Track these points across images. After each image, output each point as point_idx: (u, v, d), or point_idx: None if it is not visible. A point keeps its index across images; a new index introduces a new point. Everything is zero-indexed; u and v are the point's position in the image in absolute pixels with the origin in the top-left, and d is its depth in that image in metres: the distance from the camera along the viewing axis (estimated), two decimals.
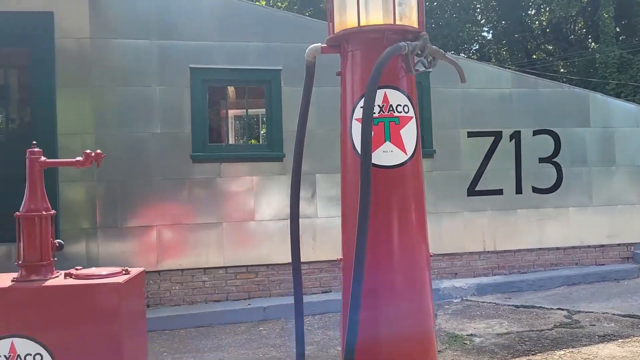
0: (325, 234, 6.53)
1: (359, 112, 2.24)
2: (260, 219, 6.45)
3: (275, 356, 4.82)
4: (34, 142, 2.40)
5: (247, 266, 6.42)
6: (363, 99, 2.21)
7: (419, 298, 2.31)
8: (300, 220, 6.46)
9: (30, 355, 2.08)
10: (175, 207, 6.22)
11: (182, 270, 6.19)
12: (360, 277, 1.99)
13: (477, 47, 27.77)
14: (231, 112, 6.86)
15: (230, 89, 6.79)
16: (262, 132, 7.07)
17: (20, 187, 6.06)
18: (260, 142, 6.96)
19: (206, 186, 6.31)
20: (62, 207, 5.92)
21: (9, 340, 2.07)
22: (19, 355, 2.07)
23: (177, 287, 6.19)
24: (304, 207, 6.48)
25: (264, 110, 6.79)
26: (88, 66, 5.99)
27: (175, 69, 6.22)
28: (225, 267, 6.35)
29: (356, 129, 2.25)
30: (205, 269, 6.30)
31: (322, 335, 5.40)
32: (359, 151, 2.22)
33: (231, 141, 6.86)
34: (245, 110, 6.94)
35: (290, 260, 6.46)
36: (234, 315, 6.01)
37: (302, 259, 6.44)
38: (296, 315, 2.43)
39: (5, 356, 2.06)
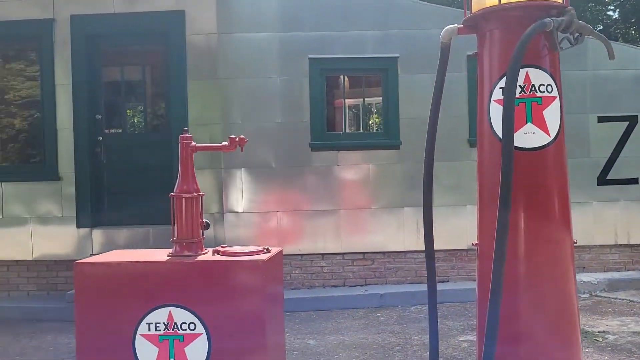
0: (441, 223, 6.39)
1: (497, 93, 2.18)
2: (377, 207, 6.49)
3: (395, 342, 4.85)
4: (185, 128, 2.60)
5: (363, 253, 6.49)
6: (502, 79, 2.15)
7: (562, 295, 2.21)
8: (415, 208, 6.46)
9: (185, 323, 2.27)
10: (294, 194, 6.44)
11: (302, 255, 6.40)
12: (501, 270, 1.94)
13: (601, 28, 25.76)
14: (348, 101, 6.94)
15: (347, 78, 6.87)
16: (378, 120, 7.08)
17: (157, 176, 6.60)
18: (377, 131, 6.97)
19: (324, 174, 6.46)
20: None
21: (167, 309, 2.27)
22: (175, 323, 2.27)
23: (296, 272, 6.41)
24: (419, 195, 6.42)
25: (381, 98, 6.80)
26: (215, 60, 6.34)
27: (294, 59, 6.40)
28: (342, 254, 6.47)
29: (494, 111, 2.20)
30: (323, 254, 6.47)
31: (440, 325, 5.31)
32: (497, 133, 2.17)
33: (348, 130, 6.95)
34: (362, 99, 6.99)
35: (405, 249, 6.47)
36: (351, 300, 6.12)
37: (416, 248, 6.46)
38: (430, 308, 2.41)
39: (164, 323, 2.27)
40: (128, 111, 7.02)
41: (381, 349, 4.68)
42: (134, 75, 7.00)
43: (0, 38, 6.71)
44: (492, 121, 2.21)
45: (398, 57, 6.44)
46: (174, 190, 2.44)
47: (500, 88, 2.16)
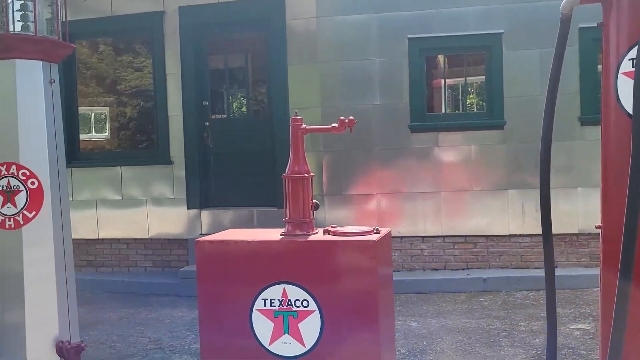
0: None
1: (626, 65, 2.03)
2: (479, 189, 6.31)
3: (500, 328, 4.72)
4: (296, 110, 2.65)
5: (465, 236, 6.35)
6: (632, 50, 2.00)
7: None
8: (521, 190, 6.19)
9: (299, 300, 2.35)
10: (393, 176, 6.40)
11: (401, 237, 6.37)
12: (631, 256, 1.81)
13: None
14: (448, 81, 6.76)
15: (448, 57, 6.68)
16: (480, 99, 6.84)
17: (259, 159, 6.80)
18: (479, 110, 6.73)
19: (424, 156, 6.36)
20: None
21: (282, 286, 2.36)
22: (289, 300, 2.36)
23: (396, 254, 6.40)
24: (525, 177, 6.17)
25: (483, 77, 6.57)
26: (315, 44, 6.42)
27: (393, 40, 6.32)
28: (443, 237, 6.37)
29: (623, 85, 2.05)
30: (423, 237, 6.40)
31: None
32: (626, 109, 2.02)
33: (448, 110, 6.78)
34: (462, 78, 6.79)
35: (509, 233, 6.22)
36: (452, 284, 6.02)
37: (521, 232, 6.20)
38: (547, 295, 2.28)
39: (278, 299, 2.37)
40: (231, 97, 7.29)
41: (486, 334, 4.58)
42: (236, 62, 7.25)
43: (115, 32, 7.20)
44: (619, 96, 2.06)
45: (502, 33, 6.17)
46: (286, 172, 2.51)
47: (629, 60, 2.01)
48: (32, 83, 2.75)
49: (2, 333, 2.74)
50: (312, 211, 2.53)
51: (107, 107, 7.60)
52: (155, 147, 7.09)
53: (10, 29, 2.72)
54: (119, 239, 7.13)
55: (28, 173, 2.71)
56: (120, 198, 7.05)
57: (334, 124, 2.55)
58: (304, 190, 2.50)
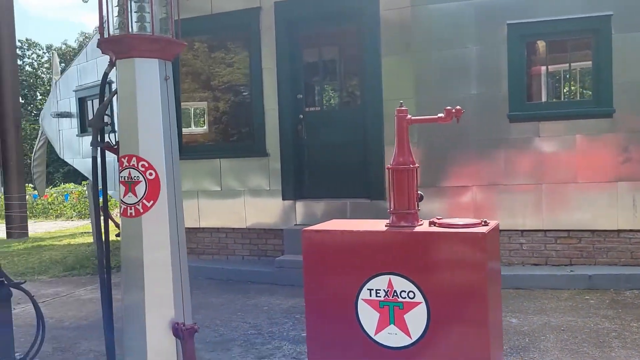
0: None
1: None
2: (584, 181, 5.97)
3: (610, 328, 4.46)
4: (401, 101, 2.64)
5: (568, 231, 6.04)
6: None
7: None
8: (632, 183, 5.80)
9: (405, 291, 2.35)
10: (491, 167, 6.21)
11: (499, 230, 6.15)
12: None
13: None
14: (550, 68, 6.43)
15: (549, 42, 6.35)
16: (585, 87, 6.46)
17: (352, 151, 6.84)
18: (584, 98, 6.37)
19: (523, 146, 6.11)
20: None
21: (387, 276, 2.37)
22: (395, 291, 2.36)
23: None
24: (636, 169, 5.78)
25: (588, 62, 6.19)
26: (409, 34, 6.34)
27: (491, 27, 6.11)
28: (544, 231, 6.10)
29: None
30: (522, 231, 6.16)
31: None
32: None
33: (550, 98, 6.46)
34: (565, 64, 6.43)
35: (618, 228, 5.87)
36: (554, 280, 5.76)
37: (632, 227, 5.82)
38: None
39: (384, 290, 2.38)
40: (325, 90, 7.37)
41: (594, 333, 4.35)
42: (330, 54, 7.32)
43: (214, 29, 7.48)
44: None
45: (611, 15, 5.77)
46: (391, 163, 2.51)
47: None
48: (150, 80, 2.92)
49: (125, 313, 2.97)
50: (417, 202, 2.51)
51: (205, 102, 7.94)
52: (251, 140, 7.32)
53: (130, 30, 2.92)
54: (218, 228, 7.45)
55: (147, 165, 2.90)
56: (219, 189, 7.36)
57: (440, 114, 2.51)
58: (409, 182, 2.49)
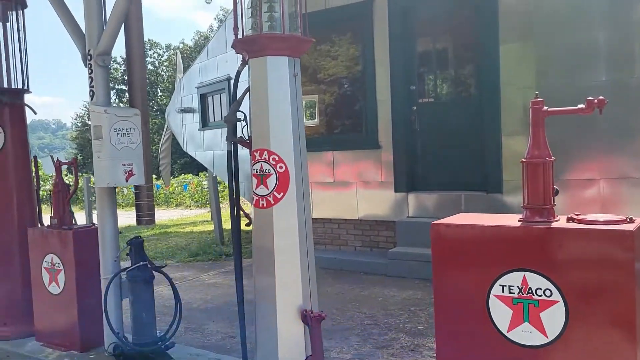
0: None
1: None
2: None
3: None
4: (537, 92, 2.55)
5: None
6: None
7: None
8: None
9: (540, 289, 2.27)
10: (621, 159, 5.77)
11: None
12: None
13: None
14: None
15: None
16: None
17: (467, 142, 6.66)
18: None
19: None
20: (505, 159, 6.25)
21: (522, 273, 2.31)
22: (530, 288, 2.30)
23: None
24: None
25: None
26: (530, 20, 6.04)
27: (624, 8, 5.66)
28: None
29: None
30: None
31: None
32: None
33: None
34: None
35: None
36: None
37: None
38: None
39: (518, 286, 2.32)
40: (439, 80, 7.23)
41: None
42: (443, 44, 7.16)
43: (328, 22, 7.59)
44: None
45: None
46: (525, 156, 2.43)
47: None
48: (280, 77, 3.06)
49: (256, 296, 3.14)
50: (553, 197, 2.42)
51: (316, 95, 8.08)
52: (364, 132, 7.38)
53: (262, 30, 3.06)
54: (330, 219, 7.61)
55: (277, 158, 3.04)
56: (332, 180, 7.51)
57: (580, 105, 2.39)
58: (544, 175, 2.41)
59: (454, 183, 6.80)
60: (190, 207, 21.03)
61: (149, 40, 44.58)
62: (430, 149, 6.99)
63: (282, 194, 3.05)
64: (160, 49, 45.24)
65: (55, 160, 4.26)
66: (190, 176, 25.76)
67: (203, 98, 10.31)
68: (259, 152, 3.08)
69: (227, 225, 9.88)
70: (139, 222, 12.79)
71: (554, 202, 2.43)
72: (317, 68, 7.86)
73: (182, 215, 16.51)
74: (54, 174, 4.35)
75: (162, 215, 16.63)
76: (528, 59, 6.10)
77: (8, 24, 4.60)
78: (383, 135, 7.10)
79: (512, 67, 6.18)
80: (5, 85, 4.50)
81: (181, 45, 44.24)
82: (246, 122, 3.19)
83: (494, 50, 6.26)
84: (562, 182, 6.03)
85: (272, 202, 3.05)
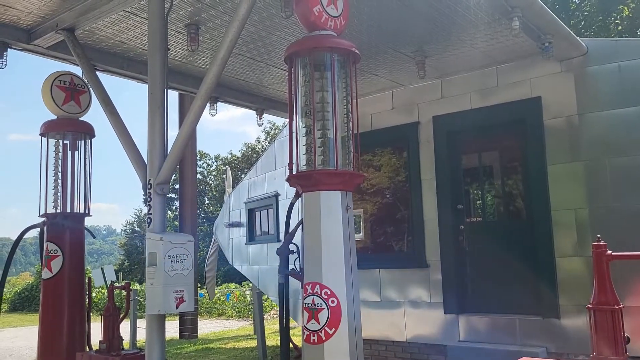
0: None
1: None
2: None
3: None
4: (598, 236, 2.49)
5: None
6: None
7: None
8: None
9: None
10: None
11: None
12: None
13: None
14: None
15: None
16: None
17: (519, 263, 6.46)
18: None
19: None
20: (560, 282, 6.01)
21: None
22: None
23: None
24: None
25: None
26: (577, 141, 6.06)
27: None
28: None
29: None
30: None
31: None
32: None
33: None
34: None
35: None
36: None
37: None
38: None
39: None
40: (486, 200, 7.20)
41: None
42: (490, 165, 7.21)
43: (374, 144, 7.81)
44: None
45: None
46: (591, 302, 2.33)
47: None
48: (333, 211, 3.11)
49: None
50: (624, 346, 2.28)
51: (361, 210, 8.13)
52: (411, 251, 7.29)
53: (316, 166, 3.17)
54: (377, 340, 7.33)
55: (329, 292, 3.01)
56: (379, 299, 7.33)
57: None
58: (613, 323, 2.28)
59: (507, 306, 6.52)
60: (232, 317, 20.74)
61: (199, 151, 46.76)
62: (481, 269, 6.80)
63: (333, 329, 2.98)
64: (209, 159, 47.20)
65: (103, 274, 4.35)
66: (233, 285, 25.68)
67: (251, 213, 10.53)
68: (310, 285, 3.06)
69: (270, 341, 9.63)
70: (181, 335, 12.65)
71: (626, 351, 2.28)
72: (363, 187, 7.98)
73: (224, 327, 16.26)
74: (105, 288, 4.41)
75: (204, 326, 16.41)
76: (577, 181, 6.04)
77: (76, 152, 4.92)
78: (431, 254, 6.99)
79: (561, 188, 6.12)
80: (68, 210, 4.73)
81: (229, 156, 46.08)
82: (298, 254, 3.22)
83: (541, 172, 6.25)
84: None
85: (324, 338, 2.97)
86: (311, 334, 3.02)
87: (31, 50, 5.23)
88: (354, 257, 3.13)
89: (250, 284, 22.13)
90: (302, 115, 3.25)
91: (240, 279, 26.08)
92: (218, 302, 22.06)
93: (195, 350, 10.67)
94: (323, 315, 2.99)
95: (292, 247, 3.22)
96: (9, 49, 5.08)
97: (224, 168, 44.37)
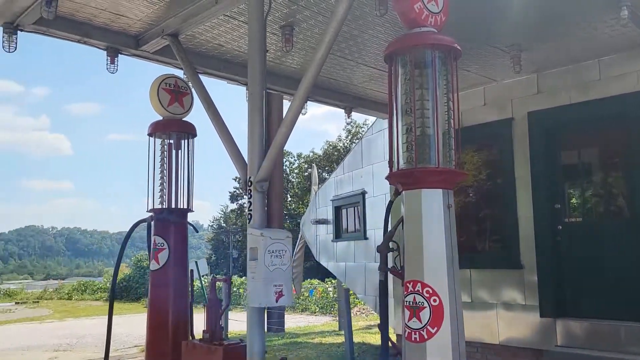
0: None
1: None
2: None
3: None
4: None
5: None
6: None
7: None
8: None
9: None
10: None
11: None
12: None
13: None
14: None
15: None
16: None
17: (624, 267, 6.10)
18: None
19: None
20: None
21: None
22: None
23: None
24: None
25: None
26: None
27: None
28: None
29: None
30: None
31: None
32: None
33: None
34: None
35: None
36: None
37: None
38: None
39: None
40: (587, 200, 6.84)
41: None
42: (590, 161, 6.85)
43: (464, 141, 7.64)
44: None
45: None
46: None
47: None
48: (434, 209, 3.09)
49: None
50: None
51: None
52: (503, 251, 7.07)
53: (417, 164, 3.16)
54: (468, 342, 7.15)
55: (431, 291, 3.00)
56: (469, 300, 7.17)
57: None
58: None
59: (610, 311, 6.17)
60: (315, 312, 21.06)
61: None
62: (581, 271, 6.48)
63: (436, 328, 2.97)
64: (291, 157, 48.07)
65: (197, 267, 4.55)
66: (316, 282, 26.04)
67: (337, 210, 10.64)
68: (412, 283, 3.06)
69: (356, 338, 9.69)
70: (268, 329, 13.01)
71: None
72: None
73: (308, 323, 16.54)
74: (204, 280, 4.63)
75: (289, 321, 16.78)
76: None
77: (180, 151, 5.19)
78: (526, 255, 6.74)
79: None
80: (173, 206, 5.00)
81: (311, 154, 46.69)
82: (399, 252, 3.22)
83: None
84: None
85: (426, 337, 2.97)
86: (412, 332, 3.02)
87: (138, 55, 5.56)
88: (455, 255, 3.09)
89: (333, 281, 22.37)
90: (403, 113, 3.25)
91: (322, 275, 26.39)
92: (301, 297, 22.46)
93: (283, 344, 10.94)
94: (425, 314, 2.98)
95: (392, 245, 3.24)
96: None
97: (306, 166, 45.07)
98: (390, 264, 3.26)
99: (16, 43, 4.63)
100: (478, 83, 7.24)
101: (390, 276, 3.25)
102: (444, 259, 3.04)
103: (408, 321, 3.05)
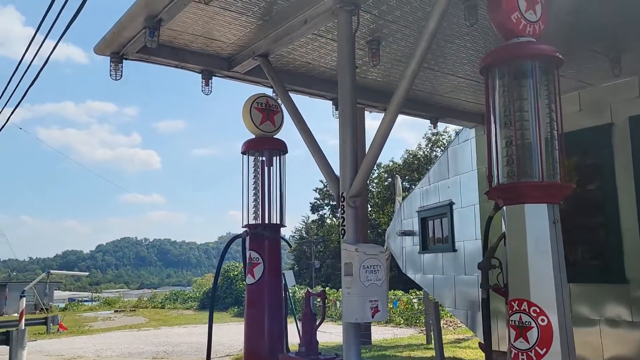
0: None
1: None
2: None
3: None
4: None
5: None
6: None
7: None
8: None
9: None
10: None
11: None
12: None
13: None
14: None
15: None
16: None
17: None
18: None
19: None
20: None
21: None
22: None
23: None
24: None
25: None
26: None
27: None
28: None
29: None
30: None
31: None
32: None
33: None
34: None
35: None
36: None
37: None
38: None
39: None
40: None
41: None
42: None
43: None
44: None
45: None
46: None
47: None
48: (539, 225, 2.98)
49: None
50: None
51: None
52: (604, 264, 6.67)
53: (519, 178, 3.06)
54: None
55: (538, 310, 2.88)
56: (569, 315, 6.81)
57: None
58: None
59: None
60: (400, 325, 20.78)
61: None
62: None
63: (544, 349, 2.85)
64: None
65: (284, 279, 4.64)
66: (400, 292, 25.72)
67: (423, 222, 10.47)
68: (517, 302, 2.96)
69: (447, 353, 9.45)
70: None
71: None
72: None
73: (394, 335, 16.35)
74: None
75: (374, 332, 16.66)
76: None
77: (272, 168, 5.33)
78: (631, 269, 6.32)
79: None
80: (267, 221, 5.13)
81: (390, 163, 46.35)
82: (501, 269, 3.13)
83: None
84: None
85: (534, 359, 2.85)
86: (519, 353, 2.91)
87: (230, 76, 5.79)
88: (563, 273, 2.96)
89: (418, 292, 21.99)
90: (501, 126, 3.16)
91: (406, 286, 26.02)
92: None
93: (371, 357, 10.87)
94: (532, 334, 2.87)
95: (494, 261, 3.15)
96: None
97: (386, 175, 44.76)
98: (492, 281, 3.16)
99: (122, 71, 4.95)
100: (572, 88, 6.91)
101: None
102: (552, 277, 2.92)
103: (514, 341, 2.95)
